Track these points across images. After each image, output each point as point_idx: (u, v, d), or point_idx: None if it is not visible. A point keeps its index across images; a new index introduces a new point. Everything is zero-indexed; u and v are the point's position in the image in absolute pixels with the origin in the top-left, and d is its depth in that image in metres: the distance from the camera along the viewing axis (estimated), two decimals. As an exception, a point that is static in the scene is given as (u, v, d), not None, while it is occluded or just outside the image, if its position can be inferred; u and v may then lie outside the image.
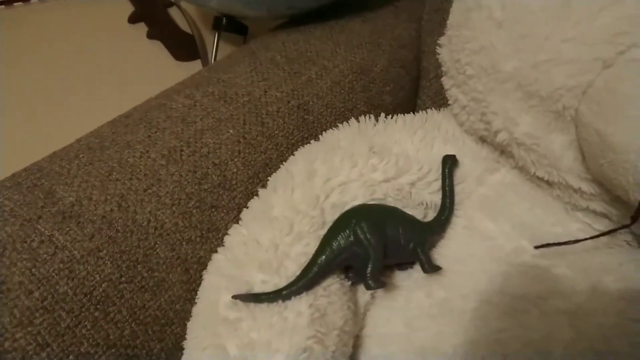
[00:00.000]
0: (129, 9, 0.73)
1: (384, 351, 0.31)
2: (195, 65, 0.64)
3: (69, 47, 0.68)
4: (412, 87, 0.50)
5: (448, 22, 0.34)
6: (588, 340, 0.28)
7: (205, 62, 0.63)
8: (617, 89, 0.24)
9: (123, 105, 0.44)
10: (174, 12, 0.70)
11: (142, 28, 0.71)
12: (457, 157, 0.33)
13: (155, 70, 0.65)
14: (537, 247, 0.28)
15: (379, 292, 0.32)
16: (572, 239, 0.29)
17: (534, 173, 0.30)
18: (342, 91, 0.44)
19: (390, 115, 0.37)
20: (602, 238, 0.31)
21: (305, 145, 0.35)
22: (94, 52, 0.67)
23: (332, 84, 0.44)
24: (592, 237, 0.27)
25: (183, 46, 0.67)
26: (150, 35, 0.69)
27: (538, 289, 0.29)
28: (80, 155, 0.35)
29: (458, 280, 0.31)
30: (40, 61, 0.67)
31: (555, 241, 0.29)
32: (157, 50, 0.68)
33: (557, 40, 0.26)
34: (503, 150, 0.32)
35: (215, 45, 0.59)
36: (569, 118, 0.27)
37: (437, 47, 0.35)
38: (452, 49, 0.33)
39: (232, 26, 0.57)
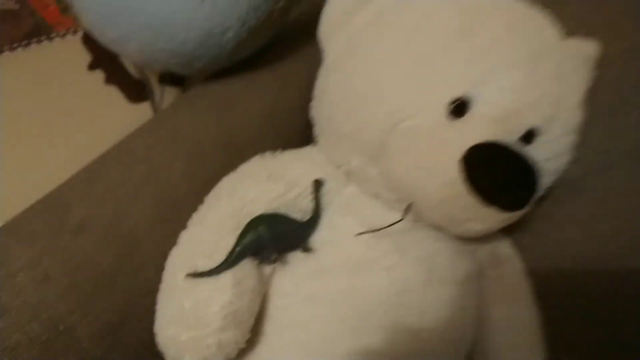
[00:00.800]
0: (88, 57, 0.87)
1: (282, 301, 0.50)
2: (146, 106, 0.80)
3: (40, 92, 0.81)
4: (309, 122, 0.69)
5: (314, 92, 0.53)
6: (397, 283, 0.48)
7: (153, 104, 0.78)
8: (393, 145, 0.44)
9: (90, 139, 0.60)
10: (125, 59, 0.85)
11: (100, 74, 0.85)
12: (323, 179, 0.52)
13: (113, 110, 0.79)
14: (358, 234, 0.48)
15: (277, 266, 0.51)
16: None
17: (364, 189, 0.50)
18: (256, 128, 0.63)
19: (282, 150, 0.55)
20: (410, 224, 0.51)
21: (228, 175, 0.53)
22: (62, 96, 0.80)
23: (249, 123, 0.62)
24: (384, 227, 0.46)
25: (134, 90, 0.81)
26: (107, 81, 0.83)
27: (370, 256, 0.49)
28: (79, 187, 0.51)
29: (325, 255, 0.49)
30: (11, 106, 0.79)
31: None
32: (114, 94, 0.82)
33: (364, 117, 0.45)
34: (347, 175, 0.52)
35: (161, 93, 0.77)
36: (376, 158, 0.46)
37: (310, 107, 0.54)
38: (316, 111, 0.52)
39: (173, 79, 0.75)
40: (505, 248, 0.57)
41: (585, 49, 0.50)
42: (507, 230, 0.59)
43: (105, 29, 0.58)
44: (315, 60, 0.72)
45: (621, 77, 0.54)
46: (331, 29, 0.51)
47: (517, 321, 0.54)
